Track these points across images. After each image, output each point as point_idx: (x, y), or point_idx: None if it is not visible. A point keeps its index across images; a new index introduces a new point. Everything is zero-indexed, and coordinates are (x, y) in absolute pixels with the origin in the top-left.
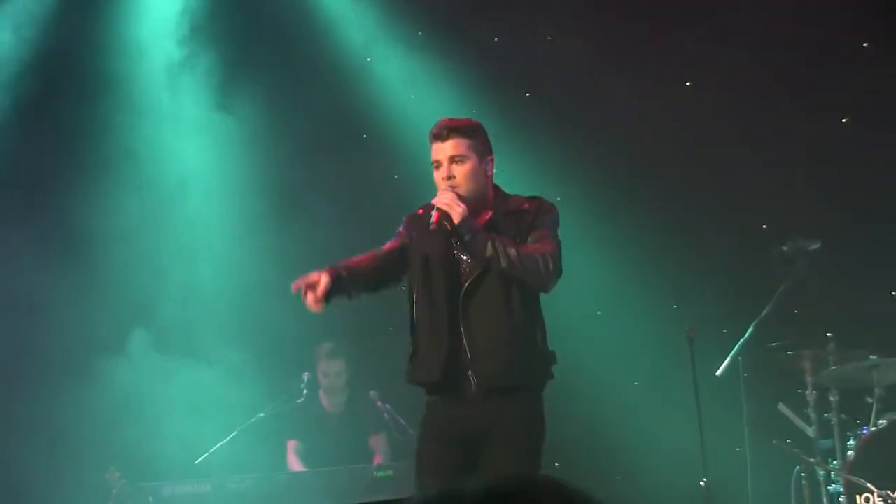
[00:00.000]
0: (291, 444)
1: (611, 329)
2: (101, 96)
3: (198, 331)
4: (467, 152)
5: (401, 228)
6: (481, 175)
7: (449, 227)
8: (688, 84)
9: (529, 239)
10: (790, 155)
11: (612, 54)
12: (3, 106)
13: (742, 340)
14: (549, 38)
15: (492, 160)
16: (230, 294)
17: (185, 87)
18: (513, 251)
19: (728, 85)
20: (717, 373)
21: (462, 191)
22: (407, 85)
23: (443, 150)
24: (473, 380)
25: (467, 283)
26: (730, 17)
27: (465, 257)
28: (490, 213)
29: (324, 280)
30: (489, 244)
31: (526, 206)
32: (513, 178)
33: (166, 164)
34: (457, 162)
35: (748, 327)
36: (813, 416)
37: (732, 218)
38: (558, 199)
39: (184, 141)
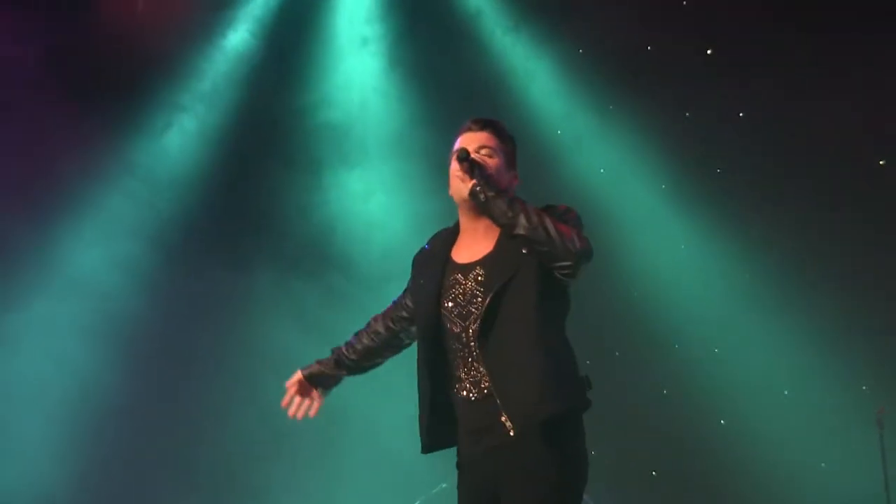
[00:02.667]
0: None
1: (797, 407)
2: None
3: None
4: (499, 149)
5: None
6: (505, 183)
7: (473, 181)
8: (882, 162)
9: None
10: None
11: (805, 130)
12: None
13: None
14: (741, 115)
15: (517, 180)
16: None
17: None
18: (535, 216)
19: None
20: None
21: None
22: (596, 158)
23: (474, 139)
24: (509, 423)
25: (483, 312)
26: None
27: (474, 286)
28: (501, 237)
29: (315, 403)
30: (512, 202)
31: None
32: (701, 249)
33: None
34: (487, 155)
35: None
36: None
37: None
38: (747, 275)
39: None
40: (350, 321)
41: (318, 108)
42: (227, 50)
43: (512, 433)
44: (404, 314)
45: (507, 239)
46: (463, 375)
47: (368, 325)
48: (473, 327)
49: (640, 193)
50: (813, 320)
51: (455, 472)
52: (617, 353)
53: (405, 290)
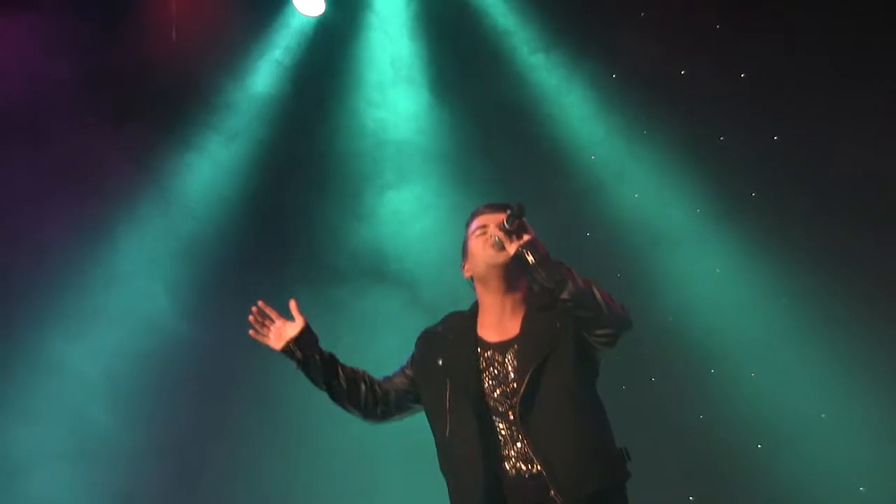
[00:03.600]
0: None
1: (835, 431)
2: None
3: None
4: None
5: (404, 365)
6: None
7: (519, 242)
8: None
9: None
10: None
11: (842, 153)
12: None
13: None
14: (775, 139)
15: None
16: None
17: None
18: (581, 281)
19: None
20: None
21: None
22: (630, 183)
23: (494, 218)
24: (559, 499)
25: (524, 389)
26: None
27: (515, 364)
28: (532, 312)
29: (298, 325)
30: (559, 265)
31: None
32: (737, 273)
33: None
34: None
35: None
36: None
37: None
38: (784, 298)
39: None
40: (400, 341)
41: (353, 135)
42: (258, 85)
43: None
44: (381, 391)
45: (538, 313)
46: (513, 454)
47: (372, 381)
48: (519, 404)
49: (675, 218)
50: (851, 344)
51: None
52: (653, 379)
53: (401, 370)
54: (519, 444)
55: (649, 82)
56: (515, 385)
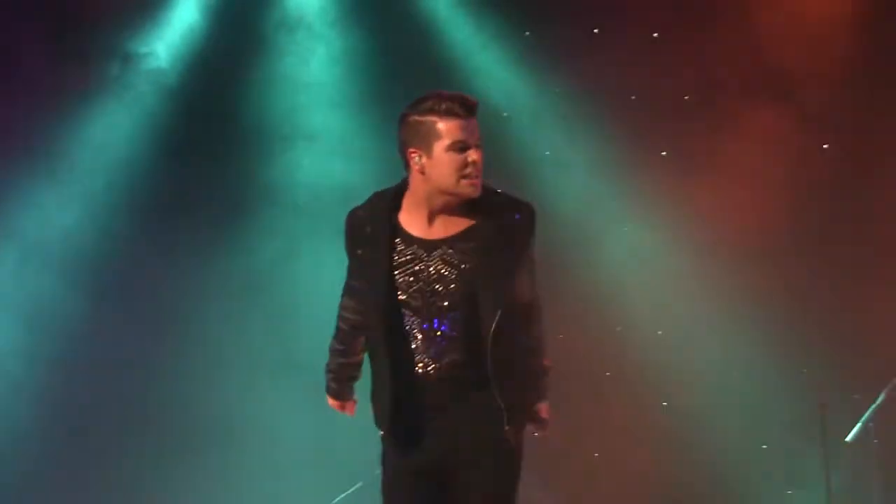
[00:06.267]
0: None
1: (740, 389)
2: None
3: None
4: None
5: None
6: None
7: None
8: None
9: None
10: None
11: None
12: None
13: (874, 406)
14: (686, 98)
15: None
16: None
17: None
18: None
19: None
20: (848, 438)
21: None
22: (541, 141)
23: (471, 129)
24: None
25: (453, 306)
26: None
27: (440, 266)
28: (473, 220)
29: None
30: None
31: (517, 215)
32: (644, 232)
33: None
34: (480, 147)
35: (881, 393)
36: None
37: (867, 279)
38: (686, 257)
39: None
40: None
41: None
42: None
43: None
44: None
45: (480, 221)
46: (423, 347)
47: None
48: (440, 304)
49: (585, 177)
50: (754, 301)
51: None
52: (561, 336)
53: (348, 270)
54: (430, 346)
55: (562, 41)
56: (440, 287)
